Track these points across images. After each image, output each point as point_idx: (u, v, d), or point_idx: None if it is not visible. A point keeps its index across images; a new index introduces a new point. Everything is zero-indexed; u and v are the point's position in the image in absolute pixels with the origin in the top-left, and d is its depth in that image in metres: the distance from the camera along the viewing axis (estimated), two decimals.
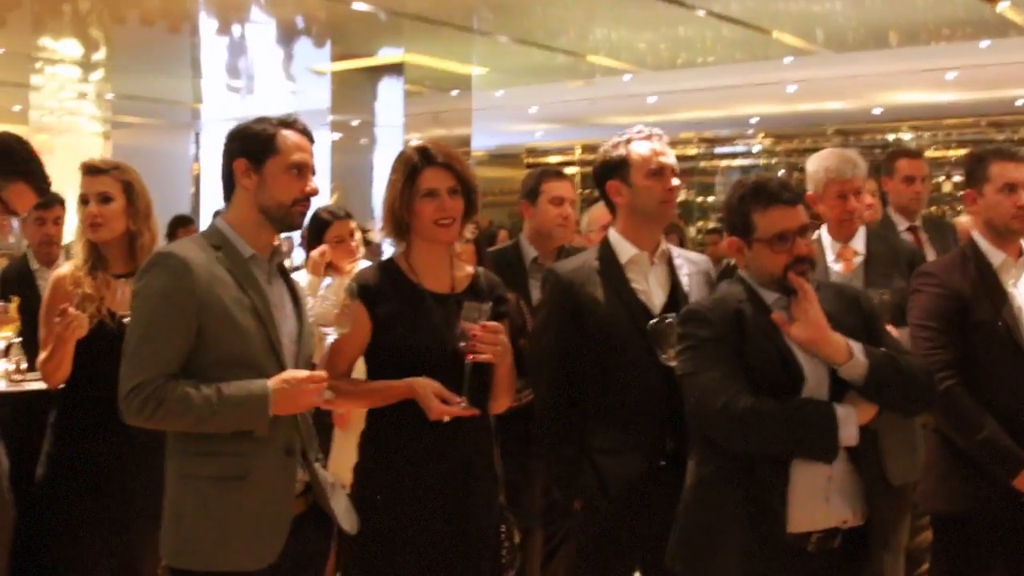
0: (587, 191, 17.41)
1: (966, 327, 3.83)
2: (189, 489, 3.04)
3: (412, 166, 3.45)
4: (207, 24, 10.94)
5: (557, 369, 3.75)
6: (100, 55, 12.63)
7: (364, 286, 3.45)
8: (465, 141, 14.37)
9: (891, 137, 15.00)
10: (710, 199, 16.80)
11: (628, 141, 3.80)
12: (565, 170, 17.26)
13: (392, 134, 13.42)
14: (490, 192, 17.63)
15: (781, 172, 16.00)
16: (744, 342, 3.22)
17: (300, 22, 10.71)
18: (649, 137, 3.81)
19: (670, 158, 3.79)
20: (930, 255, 5.59)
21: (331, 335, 3.22)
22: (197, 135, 19.61)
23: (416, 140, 3.63)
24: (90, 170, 4.19)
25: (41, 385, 4.39)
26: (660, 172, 3.74)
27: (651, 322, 3.52)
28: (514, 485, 4.22)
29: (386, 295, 3.42)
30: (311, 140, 3.23)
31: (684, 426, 3.53)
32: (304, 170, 3.15)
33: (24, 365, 4.65)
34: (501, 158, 18.72)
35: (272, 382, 3.00)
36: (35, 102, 16.07)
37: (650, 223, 3.79)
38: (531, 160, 18.68)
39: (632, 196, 3.76)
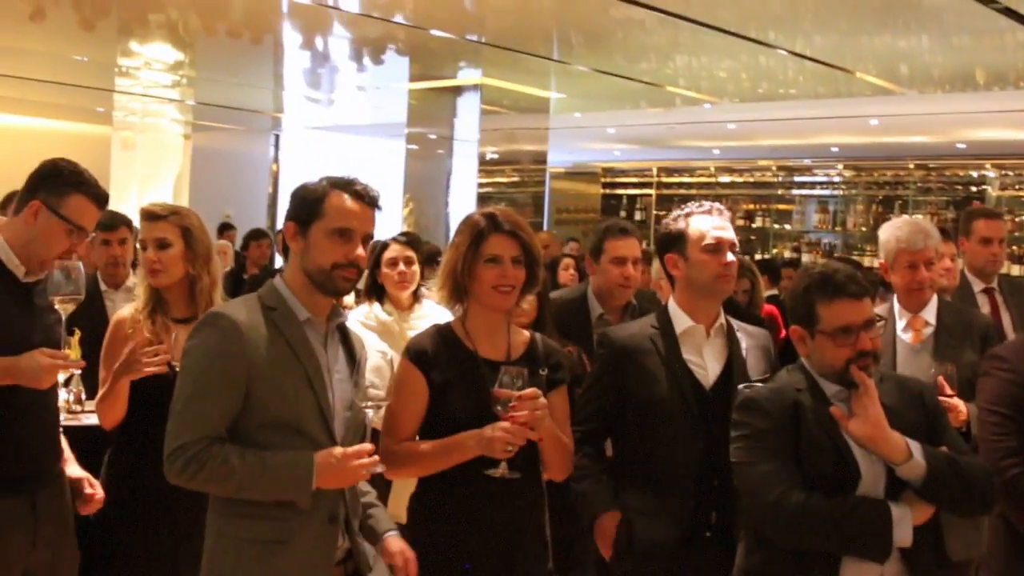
0: (663, 212, 17.39)
1: None
2: (229, 549, 3.04)
3: (479, 231, 3.45)
4: (289, 38, 11.00)
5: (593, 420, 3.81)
6: (184, 63, 12.73)
7: (420, 352, 3.44)
8: (541, 158, 14.37)
9: (974, 174, 14.77)
10: (787, 227, 16.63)
11: (688, 215, 3.82)
12: (641, 191, 17.50)
13: (468, 148, 13.44)
14: (565, 209, 17.61)
15: (859, 204, 15.82)
16: (800, 434, 3.18)
17: (379, 44, 10.72)
18: (709, 212, 3.81)
19: (727, 233, 3.78)
20: (1006, 318, 5.50)
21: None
22: (277, 137, 19.75)
23: (486, 208, 3.59)
24: (149, 216, 4.22)
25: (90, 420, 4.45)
26: (717, 248, 3.74)
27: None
28: (567, 539, 4.24)
29: (441, 361, 3.41)
30: (369, 204, 3.18)
31: (728, 500, 3.61)
32: (350, 235, 3.10)
33: (84, 397, 4.69)
34: (577, 175, 18.71)
35: (319, 456, 2.98)
36: (119, 104, 16.28)
37: (706, 297, 3.79)
38: (607, 179, 18.64)
39: (688, 270, 3.78)
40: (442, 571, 3.37)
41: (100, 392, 4.07)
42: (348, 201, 3.13)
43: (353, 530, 3.20)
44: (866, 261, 12.51)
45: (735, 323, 3.93)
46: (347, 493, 3.16)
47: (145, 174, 18.64)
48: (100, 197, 3.71)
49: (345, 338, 3.28)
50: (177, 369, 3.37)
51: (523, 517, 3.46)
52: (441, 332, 3.53)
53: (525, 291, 3.52)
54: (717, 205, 3.87)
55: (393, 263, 5.31)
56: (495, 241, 3.44)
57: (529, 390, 3.27)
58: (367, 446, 3.09)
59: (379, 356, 4.97)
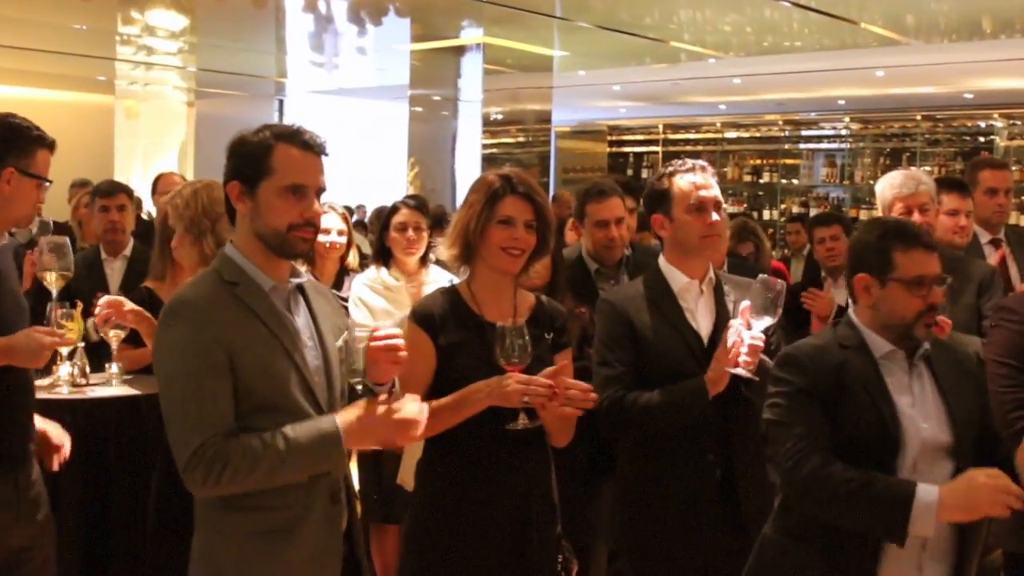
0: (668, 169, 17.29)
1: None
2: (231, 546, 2.82)
3: (494, 191, 3.39)
4: (292, 2, 10.95)
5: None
6: (185, 30, 12.68)
7: (426, 315, 3.39)
8: (546, 117, 14.30)
9: (982, 124, 14.68)
10: (794, 181, 16.55)
11: (671, 174, 3.77)
12: (648, 148, 17.43)
13: (471, 109, 13.39)
14: (572, 168, 17.56)
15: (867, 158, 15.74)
16: (842, 396, 3.10)
17: (381, 4, 10.66)
18: (692, 169, 3.75)
19: (712, 191, 3.73)
20: (1013, 269, 5.47)
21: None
22: (281, 103, 19.70)
23: (498, 169, 3.52)
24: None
25: (106, 392, 4.44)
26: (701, 207, 3.70)
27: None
28: (578, 500, 4.24)
29: (448, 325, 3.37)
30: (319, 153, 2.91)
31: (735, 451, 3.67)
32: (304, 191, 2.84)
33: (88, 370, 4.68)
34: (583, 134, 18.64)
35: (341, 418, 2.79)
36: (120, 72, 16.23)
37: (694, 256, 3.77)
38: (614, 137, 18.57)
39: (674, 230, 3.74)
40: (452, 535, 3.35)
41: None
42: (298, 153, 2.85)
43: (353, 501, 3.08)
44: (875, 214, 12.43)
45: (725, 276, 3.93)
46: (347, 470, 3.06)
47: (149, 143, 18.66)
48: (53, 143, 3.64)
49: (305, 298, 3.03)
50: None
51: (532, 480, 3.43)
52: (447, 295, 3.48)
53: (534, 257, 3.47)
54: (701, 163, 3.81)
55: (403, 227, 5.27)
56: (510, 203, 3.38)
57: (555, 367, 3.27)
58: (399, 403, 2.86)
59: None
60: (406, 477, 4.93)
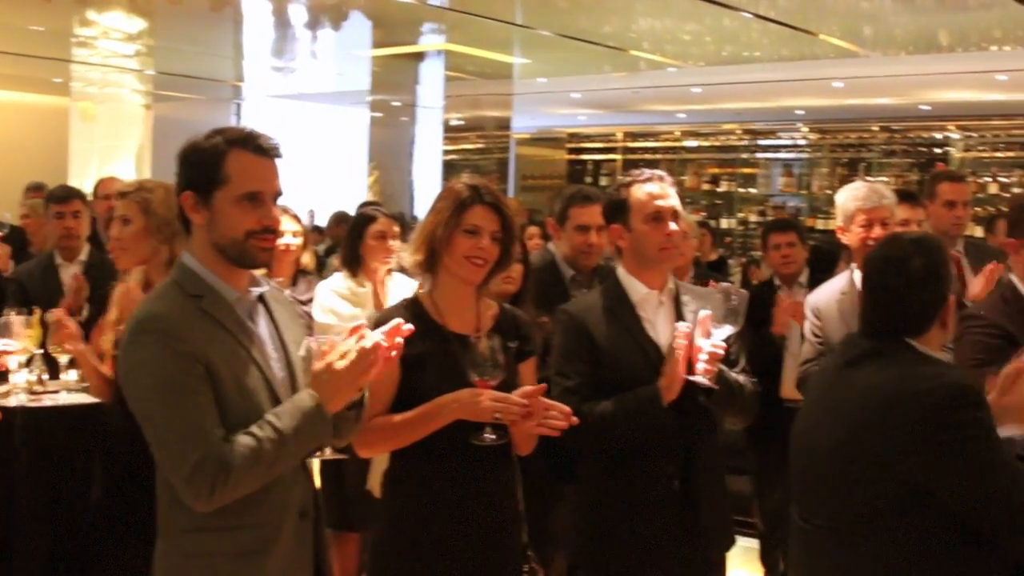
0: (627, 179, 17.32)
1: None
2: (202, 570, 2.74)
3: (461, 200, 3.39)
4: (250, 4, 10.89)
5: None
6: (142, 32, 12.58)
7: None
8: (505, 124, 14.30)
9: (938, 135, 14.80)
10: (752, 190, 16.62)
11: (629, 184, 3.78)
12: (607, 156, 17.45)
13: (432, 115, 13.37)
14: (531, 175, 17.56)
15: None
16: None
17: (342, 9, 10.62)
18: (651, 179, 3.76)
19: (670, 201, 3.73)
20: (970, 280, 5.51)
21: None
22: (239, 106, 19.58)
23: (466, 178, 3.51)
24: (116, 195, 4.15)
25: (64, 400, 4.40)
26: (659, 217, 3.70)
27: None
28: (539, 511, 4.23)
29: (411, 337, 3.35)
30: (273, 157, 2.82)
31: (694, 462, 3.68)
32: (260, 198, 2.75)
33: (46, 377, 4.63)
34: (542, 141, 18.63)
35: (314, 386, 2.70)
36: (76, 74, 16.09)
37: (653, 266, 3.77)
38: (573, 145, 18.58)
39: (632, 241, 3.73)
40: (420, 545, 3.34)
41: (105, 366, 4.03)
42: (252, 159, 2.77)
43: (320, 520, 3.05)
44: (831, 225, 12.50)
45: (684, 286, 3.94)
46: (314, 483, 3.02)
47: (105, 146, 18.49)
48: None
49: (267, 308, 2.97)
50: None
51: (498, 490, 3.44)
52: (409, 306, 3.47)
53: (497, 269, 3.47)
54: (659, 172, 3.83)
55: (382, 236, 5.30)
56: (477, 212, 3.39)
57: (533, 387, 3.25)
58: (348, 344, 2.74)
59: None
60: (374, 483, 4.92)
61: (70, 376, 4.67)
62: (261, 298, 2.94)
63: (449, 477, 3.35)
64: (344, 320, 5.09)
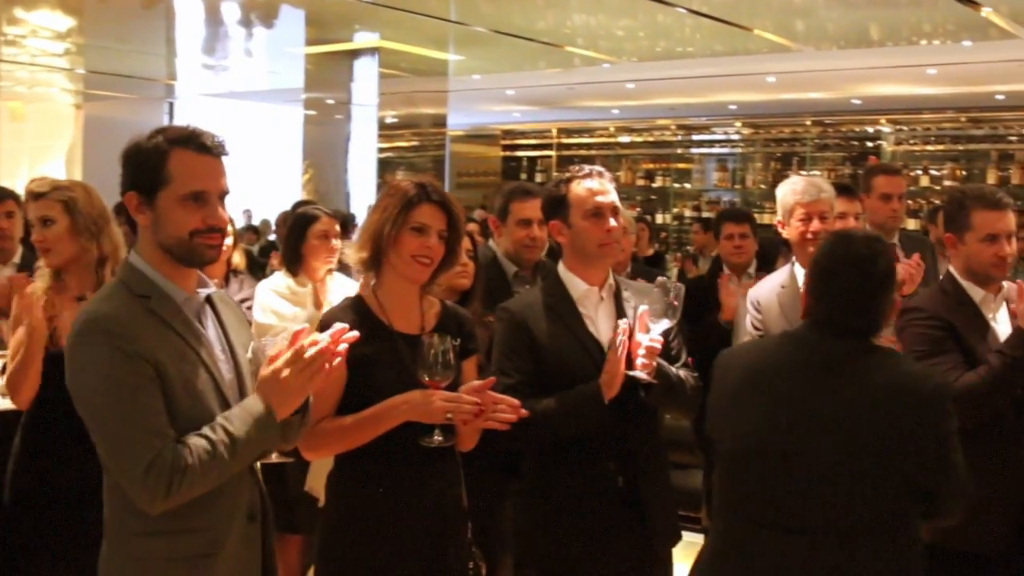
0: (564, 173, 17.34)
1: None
2: (149, 572, 2.70)
3: (409, 198, 3.36)
4: (182, 4, 10.78)
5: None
6: (72, 31, 12.42)
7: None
8: (441, 121, 14.27)
9: (870, 129, 14.96)
10: (687, 186, 16.71)
11: (569, 180, 3.75)
12: (541, 153, 17.47)
13: (367, 113, 13.30)
14: (466, 172, 17.55)
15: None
16: None
17: (275, 7, 10.55)
18: (590, 175, 3.74)
19: (609, 197, 3.72)
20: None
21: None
22: (171, 105, 19.39)
23: (411, 176, 3.50)
24: (32, 195, 4.08)
25: None
26: (598, 213, 3.68)
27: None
28: (484, 509, 4.21)
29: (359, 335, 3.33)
30: (218, 155, 2.78)
31: (637, 458, 3.67)
32: (205, 197, 2.72)
33: None
34: (477, 138, 18.62)
35: (259, 390, 2.69)
36: (5, 73, 15.86)
37: (593, 262, 3.75)
38: (507, 141, 18.59)
39: (572, 237, 3.72)
40: (367, 547, 3.31)
41: (11, 367, 3.95)
42: (195, 158, 2.73)
43: (269, 525, 3.00)
44: (765, 219, 12.61)
45: (625, 282, 3.92)
46: (262, 485, 2.99)
47: (36, 146, 18.26)
48: None
49: (214, 309, 2.94)
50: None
51: (444, 489, 3.41)
52: (354, 306, 3.44)
53: (441, 269, 3.45)
54: (598, 168, 3.81)
55: (325, 236, 5.27)
56: (425, 210, 3.36)
57: (481, 382, 3.26)
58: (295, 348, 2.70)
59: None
60: (314, 484, 4.89)
61: None
62: (208, 299, 2.91)
63: (394, 477, 3.32)
64: (285, 320, 5.06)
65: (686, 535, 4.01)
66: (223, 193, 2.80)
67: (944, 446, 2.98)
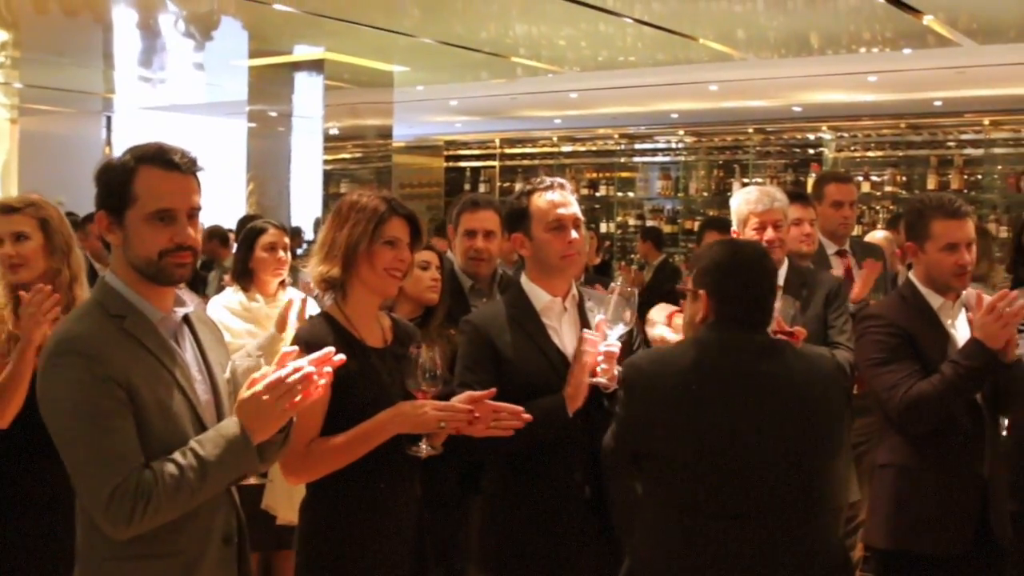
0: (507, 183, 17.39)
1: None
2: None
3: (380, 214, 3.37)
4: (120, 16, 10.66)
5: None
6: (6, 44, 12.25)
7: (316, 346, 3.30)
8: (386, 132, 14.20)
9: (811, 136, 15.08)
10: (630, 194, 16.75)
11: (530, 192, 3.77)
12: (484, 163, 17.46)
13: (311, 124, 13.23)
14: (409, 184, 17.50)
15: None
16: None
17: (216, 19, 10.46)
18: (551, 187, 3.75)
19: (570, 209, 3.73)
20: (858, 279, 5.62)
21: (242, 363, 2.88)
22: (109, 119, 19.19)
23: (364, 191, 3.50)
24: (3, 209, 4.02)
25: None
26: (560, 226, 3.69)
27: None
28: (448, 524, 4.20)
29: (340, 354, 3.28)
30: (187, 172, 2.76)
31: (602, 467, 3.65)
32: (172, 215, 2.69)
33: None
34: (420, 149, 18.57)
35: (238, 413, 2.65)
36: None
37: (556, 274, 3.76)
38: (450, 152, 18.56)
39: (534, 249, 3.73)
40: (350, 560, 3.32)
41: None
42: (161, 175, 2.70)
43: (245, 549, 2.96)
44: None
45: (587, 292, 3.94)
46: (239, 507, 2.95)
47: None
48: None
49: (191, 329, 2.93)
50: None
51: (414, 502, 3.45)
52: (327, 322, 3.43)
53: (404, 277, 3.49)
54: (559, 180, 3.83)
55: (272, 248, 5.22)
56: (395, 224, 3.39)
57: (480, 392, 3.31)
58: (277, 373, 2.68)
59: (253, 359, 4.78)
60: (271, 502, 4.83)
61: None
62: (186, 319, 2.88)
63: (371, 495, 3.32)
64: (238, 336, 5.00)
65: None
66: (193, 210, 2.76)
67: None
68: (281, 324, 4.74)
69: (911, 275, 4.16)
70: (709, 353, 3.23)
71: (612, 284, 3.81)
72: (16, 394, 3.74)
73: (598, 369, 3.58)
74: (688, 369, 3.22)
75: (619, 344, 3.61)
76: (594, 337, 3.57)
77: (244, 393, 2.65)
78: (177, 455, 2.58)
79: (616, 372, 3.59)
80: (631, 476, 3.52)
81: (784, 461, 3.16)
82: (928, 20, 9.21)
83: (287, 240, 5.31)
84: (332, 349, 2.79)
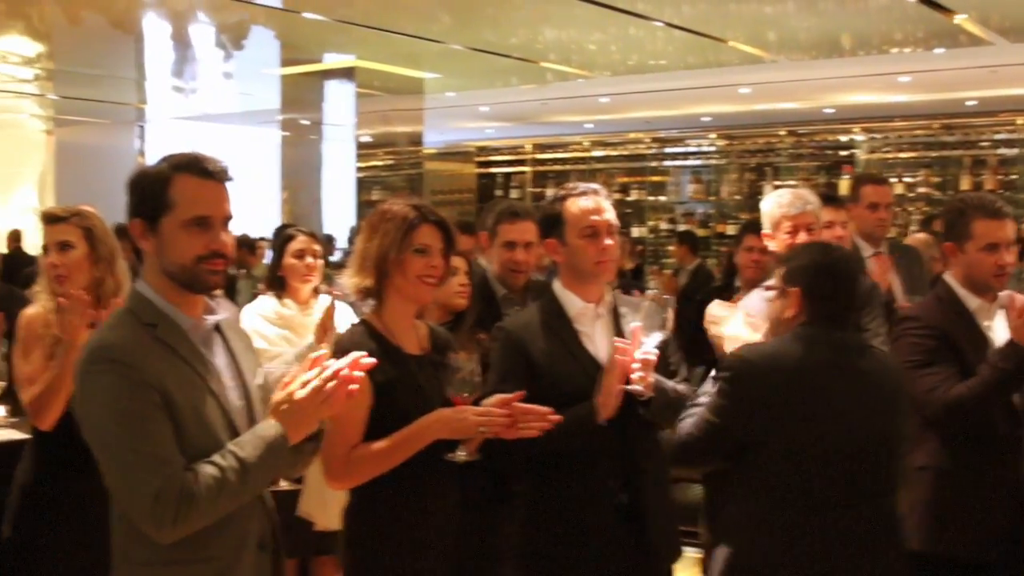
0: (539, 189, 17.40)
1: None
2: None
3: (410, 222, 3.36)
4: (151, 27, 10.73)
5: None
6: (41, 56, 12.35)
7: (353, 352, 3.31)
8: (417, 139, 14.24)
9: (843, 138, 15.01)
10: (662, 198, 16.73)
11: (564, 198, 3.73)
12: (516, 169, 17.45)
13: (343, 132, 13.28)
14: (440, 190, 17.52)
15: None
16: None
17: (249, 29, 10.52)
18: (586, 194, 3.72)
19: (606, 215, 3.70)
20: (895, 281, 5.58)
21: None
22: (142, 128, 19.31)
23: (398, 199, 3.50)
24: (49, 218, 4.05)
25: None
26: (594, 233, 3.66)
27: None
28: (482, 529, 4.19)
29: (378, 361, 3.14)
30: (219, 179, 2.78)
31: (638, 475, 3.63)
32: (208, 222, 2.71)
33: None
34: (451, 155, 18.59)
35: (272, 416, 2.66)
36: None
37: (589, 281, 3.73)
38: (482, 158, 18.57)
39: (568, 255, 3.70)
40: (398, 565, 3.32)
41: (35, 389, 3.89)
42: (198, 183, 2.72)
43: (280, 551, 2.96)
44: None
45: (621, 298, 3.91)
46: (272, 514, 2.94)
47: (6, 172, 18.14)
48: None
49: (223, 336, 2.93)
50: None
51: (456, 509, 3.43)
52: (366, 330, 3.42)
53: (440, 284, 3.47)
54: (594, 186, 3.78)
55: (301, 255, 5.22)
56: (425, 231, 3.37)
57: (510, 395, 3.29)
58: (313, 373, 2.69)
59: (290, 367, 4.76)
60: (308, 509, 4.84)
61: None
62: (217, 326, 2.89)
63: (413, 498, 3.32)
64: (273, 343, 5.02)
65: (686, 550, 3.99)
66: (226, 218, 2.78)
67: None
68: (321, 333, 4.74)
69: (947, 276, 4.13)
70: (819, 349, 3.35)
71: (647, 291, 3.79)
72: (60, 396, 3.78)
73: (634, 377, 3.55)
74: (801, 363, 3.33)
75: (656, 352, 3.58)
76: (626, 345, 3.55)
77: (278, 394, 2.67)
78: (217, 457, 2.59)
79: (652, 380, 3.57)
80: (719, 465, 3.59)
81: (882, 450, 3.35)
82: (960, 19, 9.17)
83: (317, 247, 5.30)
84: (363, 353, 2.79)
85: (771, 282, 3.78)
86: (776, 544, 3.29)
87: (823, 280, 3.43)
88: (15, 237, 14.40)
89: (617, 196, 16.50)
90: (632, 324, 3.61)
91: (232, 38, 11.15)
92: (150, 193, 2.72)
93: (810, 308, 3.42)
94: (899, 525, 3.46)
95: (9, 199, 18.19)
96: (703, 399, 3.54)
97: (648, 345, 3.56)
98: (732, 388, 3.37)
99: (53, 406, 3.81)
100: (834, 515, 3.27)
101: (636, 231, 16.36)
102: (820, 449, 3.27)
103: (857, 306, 3.55)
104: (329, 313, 4.79)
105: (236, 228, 3.23)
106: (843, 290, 3.44)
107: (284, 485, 3.02)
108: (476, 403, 3.28)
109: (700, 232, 15.27)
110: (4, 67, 12.98)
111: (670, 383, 3.72)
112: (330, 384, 2.64)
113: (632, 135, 17.00)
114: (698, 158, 16.50)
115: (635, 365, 3.52)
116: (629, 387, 3.53)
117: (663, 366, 3.65)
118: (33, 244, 11.85)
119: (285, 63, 12.47)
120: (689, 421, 3.51)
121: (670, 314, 3.70)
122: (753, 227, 6.16)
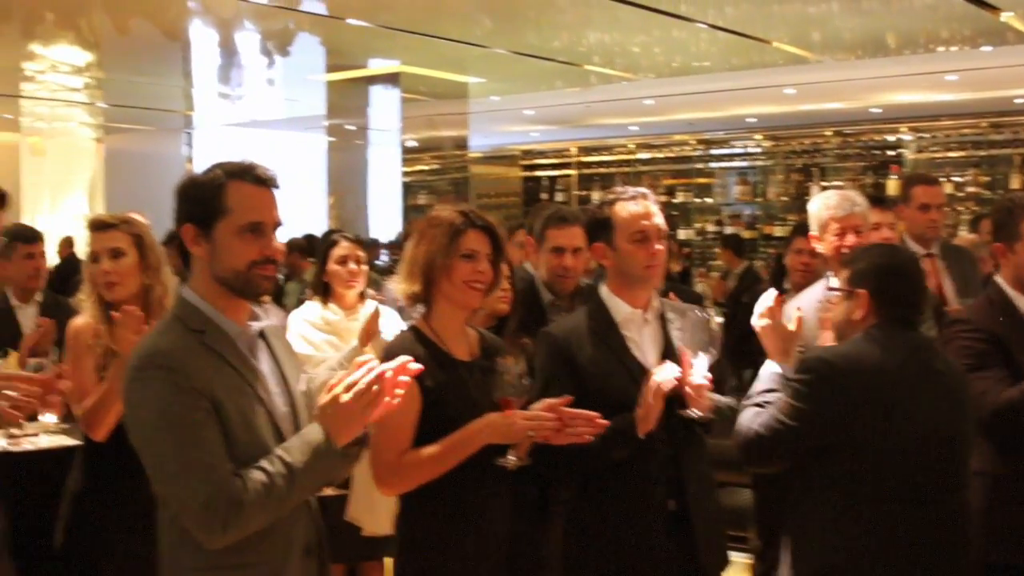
0: (584, 192, 17.39)
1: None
2: None
3: (456, 227, 3.37)
4: (199, 35, 10.82)
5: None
6: (90, 65, 12.48)
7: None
8: (462, 143, 14.27)
9: (890, 138, 14.91)
10: (708, 200, 16.67)
11: (613, 203, 3.70)
12: (561, 172, 17.44)
13: (389, 137, 13.33)
14: (486, 194, 17.55)
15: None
16: None
17: (294, 36, 10.59)
18: (635, 198, 3.70)
19: (655, 220, 3.67)
20: (946, 283, 5.53)
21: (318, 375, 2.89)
22: (190, 135, 19.46)
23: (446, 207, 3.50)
24: (99, 226, 4.08)
25: (45, 443, 4.31)
26: (644, 238, 3.64)
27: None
28: (529, 536, 4.18)
29: (429, 367, 3.23)
30: (271, 187, 2.81)
31: (687, 482, 3.61)
32: (262, 229, 2.75)
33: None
34: (496, 159, 18.60)
35: (318, 420, 2.65)
36: (25, 109, 15.94)
37: (637, 286, 3.70)
38: (527, 162, 18.58)
39: (617, 260, 3.68)
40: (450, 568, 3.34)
41: (88, 402, 3.92)
42: (252, 190, 2.76)
43: (325, 560, 2.97)
44: (788, 231, 12.53)
45: (668, 304, 3.88)
46: (318, 519, 2.96)
47: (57, 180, 18.34)
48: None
49: (267, 342, 2.94)
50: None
51: (507, 514, 3.43)
52: (416, 335, 3.43)
53: (489, 292, 3.46)
54: (643, 190, 3.76)
55: (343, 260, 5.22)
56: (472, 237, 3.38)
57: (558, 399, 3.29)
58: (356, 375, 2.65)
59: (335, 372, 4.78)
60: (355, 515, 4.86)
61: (47, 419, 4.57)
62: (261, 332, 2.91)
63: (464, 503, 3.33)
64: (319, 348, 5.04)
65: (733, 556, 3.96)
66: (277, 224, 2.81)
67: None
68: (365, 338, 4.75)
69: (998, 277, 4.08)
70: (895, 350, 3.35)
71: (696, 312, 3.76)
72: (113, 408, 3.79)
73: (693, 405, 3.53)
74: (881, 364, 3.32)
75: (709, 376, 3.55)
76: (672, 366, 3.52)
77: (323, 398, 2.66)
78: (264, 463, 2.59)
79: (710, 402, 3.56)
80: (792, 466, 3.50)
81: (954, 449, 3.38)
82: (1006, 16, 9.08)
83: (360, 252, 5.30)
84: (410, 358, 2.79)
85: (833, 283, 3.76)
86: (855, 541, 3.27)
87: (893, 282, 3.44)
88: (68, 244, 14.54)
89: (663, 198, 16.46)
90: (677, 342, 3.60)
91: (278, 45, 11.22)
92: (204, 199, 2.74)
93: (880, 310, 3.41)
94: (970, 523, 3.44)
95: (61, 207, 18.40)
96: (760, 397, 3.53)
97: (699, 368, 3.53)
98: (811, 391, 3.33)
99: (107, 418, 3.84)
100: (910, 515, 3.27)
101: (682, 233, 16.31)
102: (899, 448, 3.26)
103: (923, 307, 3.55)
104: (373, 318, 4.81)
105: (287, 232, 3.26)
106: (912, 291, 3.47)
107: (329, 491, 3.02)
108: (524, 408, 3.27)
109: (747, 234, 15.21)
110: (55, 76, 13.13)
111: (724, 401, 3.72)
112: (375, 387, 2.64)
113: (677, 137, 16.96)
114: (744, 159, 16.45)
115: (688, 389, 3.51)
116: (685, 412, 3.52)
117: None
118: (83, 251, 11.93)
119: (330, 69, 12.53)
120: (752, 418, 3.47)
121: (718, 331, 3.64)
122: (803, 229, 6.10)
